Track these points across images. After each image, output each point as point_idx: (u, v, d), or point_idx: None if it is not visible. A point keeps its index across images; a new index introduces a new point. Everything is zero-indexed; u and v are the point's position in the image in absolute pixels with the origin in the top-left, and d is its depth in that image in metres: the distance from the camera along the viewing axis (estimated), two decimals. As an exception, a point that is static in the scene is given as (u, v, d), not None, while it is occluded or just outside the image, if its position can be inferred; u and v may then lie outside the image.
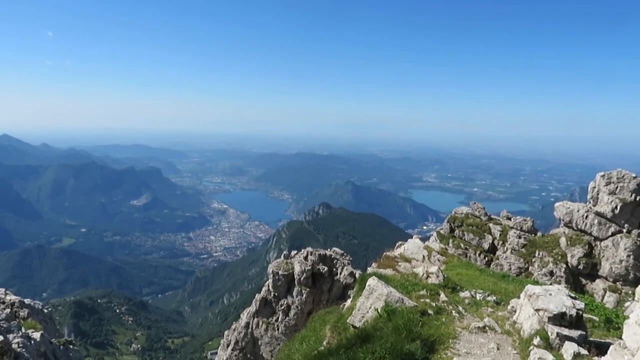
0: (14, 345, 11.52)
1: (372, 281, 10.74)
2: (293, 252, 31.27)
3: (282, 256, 31.28)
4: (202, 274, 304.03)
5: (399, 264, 15.87)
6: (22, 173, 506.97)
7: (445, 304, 11.54)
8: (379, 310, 9.87)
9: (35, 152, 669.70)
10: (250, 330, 29.74)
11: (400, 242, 25.60)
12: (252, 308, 30.31)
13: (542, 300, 10.43)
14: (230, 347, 30.88)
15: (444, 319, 10.69)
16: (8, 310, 15.99)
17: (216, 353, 35.40)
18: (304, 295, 27.93)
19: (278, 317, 28.84)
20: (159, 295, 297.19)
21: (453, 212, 34.18)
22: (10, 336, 11.76)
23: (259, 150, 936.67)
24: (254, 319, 29.70)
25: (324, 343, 11.09)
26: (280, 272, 28.83)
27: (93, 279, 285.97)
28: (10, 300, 17.90)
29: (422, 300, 11.44)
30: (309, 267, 28.09)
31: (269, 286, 29.32)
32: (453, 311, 11.28)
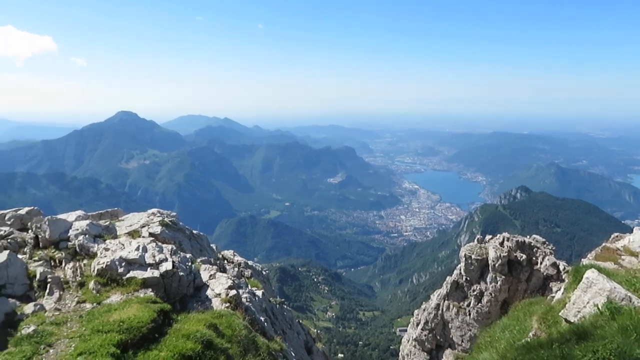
0: (243, 299, 13.34)
1: (590, 274, 9.49)
2: (487, 237, 29.77)
3: (475, 240, 30.02)
4: (392, 252, 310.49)
5: (622, 257, 13.77)
6: (239, 152, 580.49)
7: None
8: (600, 307, 8.68)
9: (249, 133, 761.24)
10: (440, 312, 29.36)
11: (617, 234, 22.19)
12: (443, 290, 29.83)
13: None
14: (419, 327, 30.98)
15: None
16: (236, 269, 18.58)
17: (405, 330, 35.93)
18: (498, 283, 26.44)
19: (470, 302, 27.87)
20: (352, 269, 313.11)
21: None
22: (240, 291, 13.65)
23: (452, 130, 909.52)
24: (444, 301, 29.21)
25: (530, 334, 10.27)
26: (473, 257, 27.71)
27: (295, 249, 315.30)
28: (237, 260, 20.87)
29: (654, 301, 9.73)
30: (505, 254, 26.43)
31: (460, 270, 28.46)
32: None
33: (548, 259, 25.80)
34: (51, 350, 10.24)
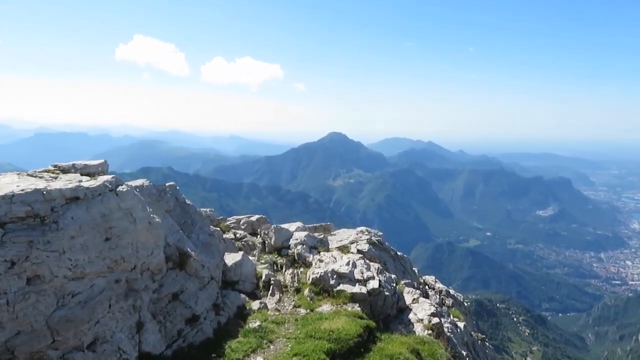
0: (445, 329, 13.15)
1: None
2: None
3: None
4: (612, 302, 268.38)
5: None
6: (441, 176, 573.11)
7: None
8: None
9: (453, 157, 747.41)
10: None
11: None
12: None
13: None
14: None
15: None
16: (438, 296, 18.34)
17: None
18: None
19: None
20: (559, 314, 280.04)
21: None
22: (443, 320, 13.48)
23: None
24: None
25: None
26: None
27: (493, 282, 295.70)
28: (439, 287, 20.57)
29: None
30: None
31: None
32: None
33: None
34: (271, 347, 11.53)
